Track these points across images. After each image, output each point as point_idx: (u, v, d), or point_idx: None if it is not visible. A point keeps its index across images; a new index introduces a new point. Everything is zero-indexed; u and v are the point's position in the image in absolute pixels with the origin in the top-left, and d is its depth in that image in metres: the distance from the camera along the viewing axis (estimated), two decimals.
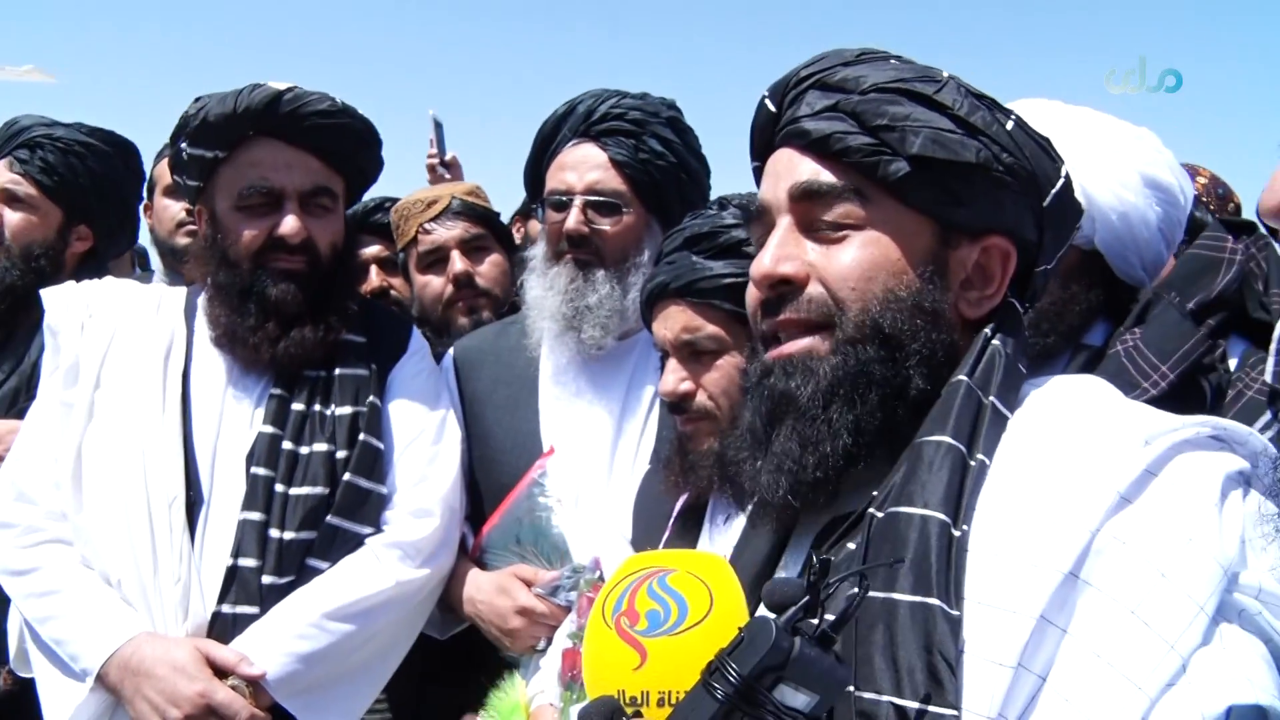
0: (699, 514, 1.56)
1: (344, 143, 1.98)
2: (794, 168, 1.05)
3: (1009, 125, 1.03)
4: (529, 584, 1.93)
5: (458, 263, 2.45)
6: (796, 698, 0.79)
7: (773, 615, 0.82)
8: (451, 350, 2.24)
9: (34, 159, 2.43)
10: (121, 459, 1.83)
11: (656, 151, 2.01)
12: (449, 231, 2.47)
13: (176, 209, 2.76)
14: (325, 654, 1.79)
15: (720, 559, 0.94)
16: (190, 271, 2.36)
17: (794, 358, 1.03)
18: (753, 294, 1.09)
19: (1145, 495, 0.87)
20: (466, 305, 2.46)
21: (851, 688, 0.84)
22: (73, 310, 1.98)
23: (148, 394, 1.89)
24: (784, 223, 1.05)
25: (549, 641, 1.90)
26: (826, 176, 1.03)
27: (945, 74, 1.05)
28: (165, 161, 2.75)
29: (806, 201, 1.04)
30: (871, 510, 0.93)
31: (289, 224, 1.90)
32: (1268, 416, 1.54)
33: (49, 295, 2.02)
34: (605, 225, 2.00)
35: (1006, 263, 1.04)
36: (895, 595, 0.86)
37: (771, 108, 1.10)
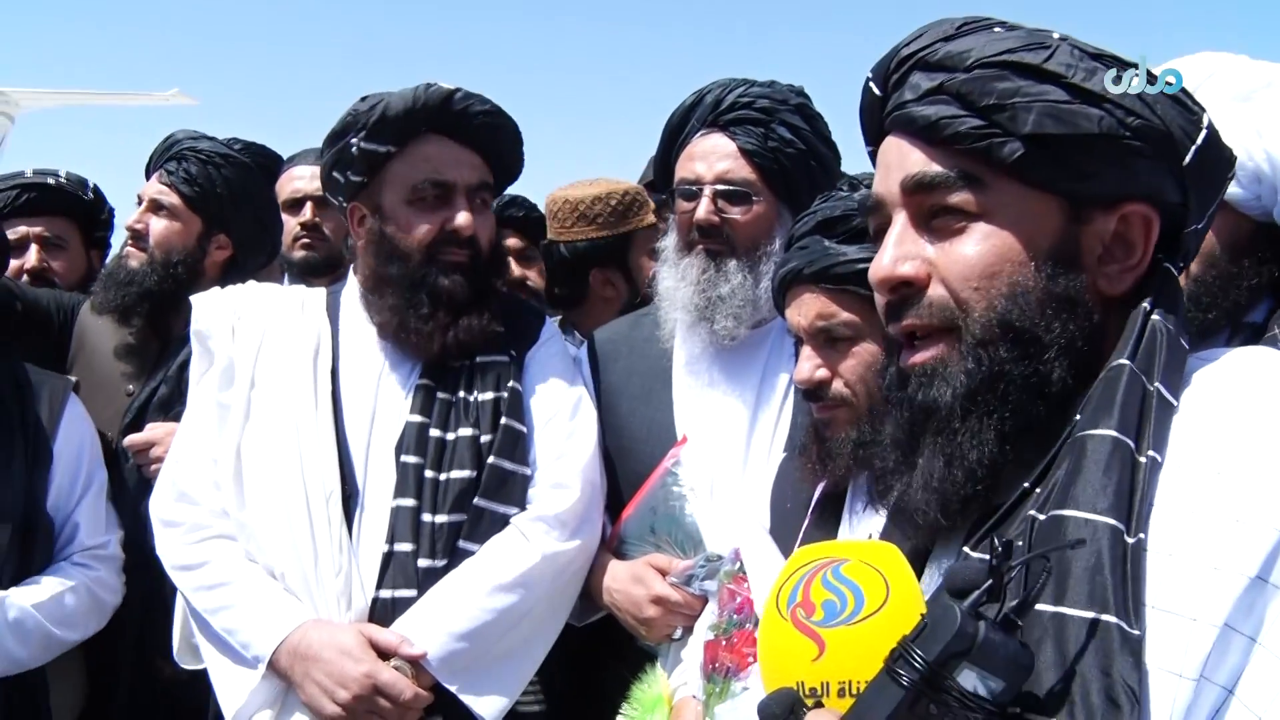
0: (838, 502, 1.55)
1: (500, 142, 2.06)
2: (904, 158, 0.99)
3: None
4: (664, 573, 1.94)
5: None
6: (981, 683, 0.77)
7: (954, 600, 0.81)
8: (589, 340, 2.29)
9: (179, 170, 2.56)
10: (280, 457, 1.91)
11: (785, 139, 1.99)
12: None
13: (293, 223, 2.88)
14: (482, 631, 1.85)
15: (893, 547, 0.92)
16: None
17: (927, 365, 0.98)
18: (877, 294, 1.04)
19: None
20: None
21: (1016, 709, 0.80)
22: (222, 314, 2.07)
23: (300, 392, 1.97)
24: (900, 218, 1.00)
25: (686, 631, 1.91)
26: (937, 166, 0.96)
27: (1056, 36, 0.96)
28: (284, 176, 2.86)
29: (920, 194, 0.98)
30: (1032, 512, 0.88)
31: (462, 218, 1.98)
32: None
33: (197, 301, 2.11)
34: (735, 214, 1.99)
35: (1149, 229, 0.96)
36: (1065, 610, 0.80)
37: (877, 91, 1.05)
